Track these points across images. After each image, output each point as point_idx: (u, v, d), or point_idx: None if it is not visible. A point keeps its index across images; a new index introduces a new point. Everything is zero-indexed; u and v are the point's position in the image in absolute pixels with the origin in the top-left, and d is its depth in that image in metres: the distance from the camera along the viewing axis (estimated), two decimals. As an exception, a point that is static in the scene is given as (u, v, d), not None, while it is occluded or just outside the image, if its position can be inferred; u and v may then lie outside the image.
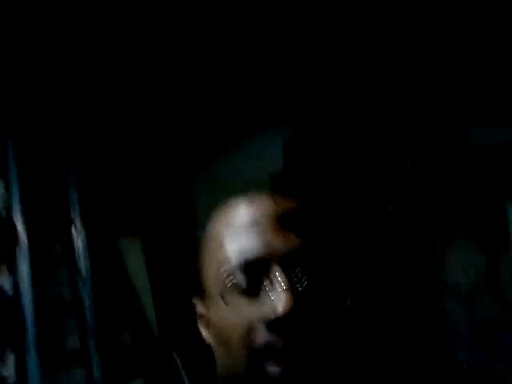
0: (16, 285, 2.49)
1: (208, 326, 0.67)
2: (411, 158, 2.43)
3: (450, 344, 2.27)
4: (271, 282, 0.58)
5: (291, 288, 0.57)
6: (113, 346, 2.68)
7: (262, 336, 0.57)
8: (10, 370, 2.27)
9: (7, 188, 2.62)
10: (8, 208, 2.62)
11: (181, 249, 3.26)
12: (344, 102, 2.67)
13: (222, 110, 3.06)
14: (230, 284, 0.60)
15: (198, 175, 3.48)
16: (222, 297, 0.61)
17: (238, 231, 0.62)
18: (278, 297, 0.57)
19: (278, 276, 0.58)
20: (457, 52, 2.35)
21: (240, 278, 0.60)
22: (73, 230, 2.84)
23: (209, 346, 0.67)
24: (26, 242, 2.55)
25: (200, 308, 0.69)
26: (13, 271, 2.52)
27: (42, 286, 2.63)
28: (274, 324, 0.57)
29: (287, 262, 0.59)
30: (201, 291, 0.67)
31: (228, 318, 0.60)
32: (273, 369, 0.57)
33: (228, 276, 0.60)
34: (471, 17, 2.19)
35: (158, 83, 2.85)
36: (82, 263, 2.77)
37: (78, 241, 2.82)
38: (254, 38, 2.53)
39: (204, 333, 0.69)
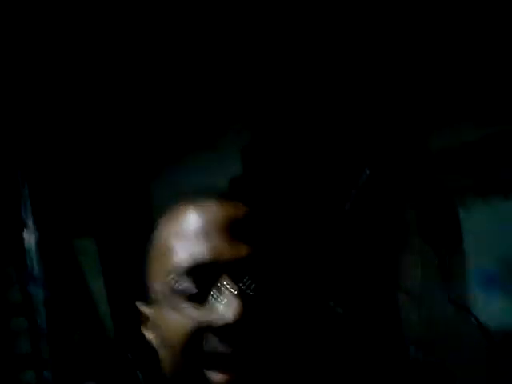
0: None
1: (152, 328, 0.67)
2: (369, 163, 2.47)
3: (401, 341, 2.32)
4: (219, 289, 0.58)
5: (239, 294, 0.57)
6: (65, 348, 2.61)
7: (208, 342, 0.57)
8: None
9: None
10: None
11: (136, 250, 3.21)
12: (302, 107, 2.69)
13: (181, 113, 3.04)
14: (177, 288, 0.60)
15: (155, 178, 3.44)
16: (170, 301, 0.60)
17: (186, 238, 0.62)
18: (226, 303, 0.56)
19: (226, 283, 0.58)
20: (412, 56, 2.41)
21: (187, 283, 0.59)
22: (24, 230, 2.76)
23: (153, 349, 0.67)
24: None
25: (144, 310, 0.69)
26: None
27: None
28: (221, 331, 0.56)
29: (235, 268, 0.59)
30: (147, 296, 0.67)
31: (174, 322, 0.59)
32: (219, 377, 0.56)
33: (175, 281, 0.60)
34: (428, 23, 2.25)
35: (116, 84, 2.81)
36: (34, 264, 2.69)
37: (30, 241, 2.74)
38: (213, 44, 2.53)
39: (147, 335, 0.69)
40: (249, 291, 0.58)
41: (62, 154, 3.03)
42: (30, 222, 2.75)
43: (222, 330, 0.56)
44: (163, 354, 0.63)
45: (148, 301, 0.67)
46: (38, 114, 2.84)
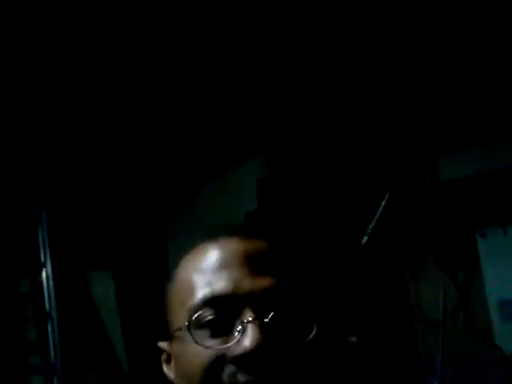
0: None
1: (174, 364, 0.66)
2: (385, 194, 2.46)
3: (420, 370, 2.25)
4: (240, 320, 0.58)
5: (259, 324, 0.56)
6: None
7: (228, 372, 0.56)
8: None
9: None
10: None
11: (152, 285, 3.20)
12: (319, 140, 2.70)
13: (198, 148, 3.08)
14: (198, 322, 0.59)
15: (172, 212, 3.47)
16: (191, 335, 0.59)
17: (207, 272, 0.62)
18: (245, 333, 0.56)
19: (247, 313, 0.58)
20: (421, 86, 2.42)
21: (209, 316, 0.59)
22: (42, 269, 2.78)
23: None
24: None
25: (166, 347, 0.68)
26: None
27: (6, 325, 2.55)
28: (240, 359, 0.56)
29: (255, 300, 0.59)
30: (167, 333, 0.66)
31: (195, 354, 0.59)
32: None
33: (197, 314, 0.59)
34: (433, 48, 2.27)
35: (130, 118, 2.86)
36: (49, 301, 2.70)
37: (46, 278, 2.76)
38: (230, 76, 2.57)
39: (168, 372, 0.68)
40: (269, 322, 0.57)
41: (80, 188, 3.08)
42: (47, 261, 2.77)
43: (241, 359, 0.55)
44: None
45: (169, 338, 0.66)
46: (55, 153, 2.91)
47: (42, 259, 2.78)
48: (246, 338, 0.56)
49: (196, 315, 0.59)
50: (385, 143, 2.52)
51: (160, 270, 3.32)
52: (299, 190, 2.73)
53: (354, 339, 1.97)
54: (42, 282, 2.76)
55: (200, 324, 0.59)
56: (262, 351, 0.55)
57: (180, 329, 0.61)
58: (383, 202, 2.42)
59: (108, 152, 2.99)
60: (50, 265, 2.78)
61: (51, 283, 2.74)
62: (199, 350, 0.58)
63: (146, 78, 2.50)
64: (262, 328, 0.56)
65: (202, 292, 0.60)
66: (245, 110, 2.79)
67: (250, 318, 0.57)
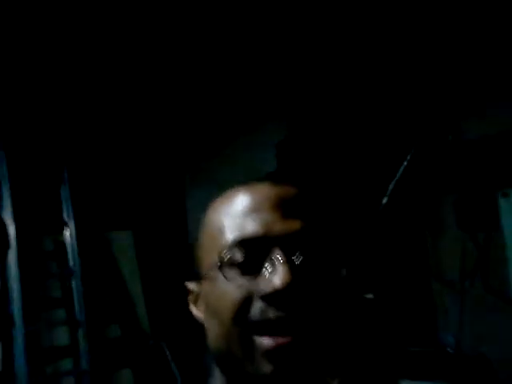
0: (5, 280, 2.49)
1: (199, 302, 0.68)
2: (408, 152, 2.43)
3: (437, 329, 2.26)
4: (270, 260, 0.59)
5: (289, 264, 0.57)
6: (101, 338, 2.66)
7: (258, 309, 0.57)
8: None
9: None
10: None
11: (172, 243, 3.26)
12: (336, 102, 2.67)
13: (215, 110, 3.07)
14: (229, 261, 0.60)
15: (190, 173, 3.48)
16: (222, 274, 0.60)
17: (238, 215, 0.63)
18: (275, 272, 0.57)
19: (277, 254, 0.58)
20: (445, 48, 2.36)
21: (240, 256, 0.60)
22: (65, 227, 2.84)
23: (199, 333, 0.67)
24: (15, 238, 2.54)
25: (194, 287, 0.69)
26: (2, 267, 2.52)
27: (31, 280, 2.62)
28: (270, 297, 0.57)
29: (285, 242, 0.60)
30: (195, 275, 0.67)
31: (226, 292, 0.60)
32: (269, 342, 0.56)
33: (228, 254, 0.60)
34: (458, 14, 2.21)
35: (150, 83, 2.86)
36: (72, 258, 2.76)
37: (68, 236, 2.82)
38: (247, 41, 2.54)
39: (196, 312, 0.69)
40: (298, 262, 0.58)
41: (102, 149, 3.11)
42: (70, 219, 2.82)
43: (271, 296, 0.57)
44: (213, 326, 0.62)
45: (197, 279, 0.67)
46: (78, 115, 2.93)
47: (65, 218, 2.83)
48: (275, 276, 0.57)
49: (227, 255, 0.60)
50: (408, 102, 2.48)
51: (179, 231, 3.37)
52: (319, 152, 2.72)
53: (370, 296, 1.98)
54: (65, 241, 2.82)
55: (230, 264, 0.60)
56: (291, 289, 0.56)
57: (211, 268, 0.62)
58: (405, 162, 2.40)
59: (129, 113, 3.01)
60: (73, 223, 2.83)
61: (74, 241, 2.80)
62: (230, 287, 0.59)
63: (168, 53, 2.49)
64: (292, 268, 0.57)
65: (233, 234, 0.62)
66: (264, 74, 2.76)
67: (280, 258, 0.58)
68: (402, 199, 2.41)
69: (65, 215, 2.83)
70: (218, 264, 0.61)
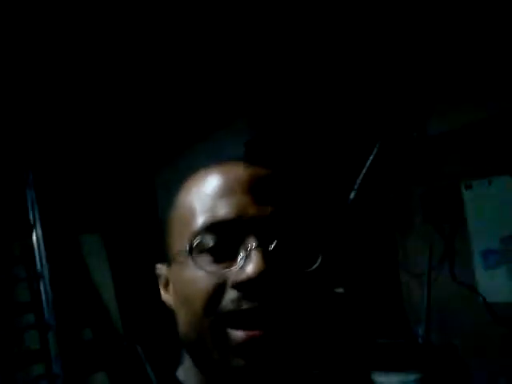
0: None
1: (169, 287, 0.64)
2: (372, 149, 2.47)
3: (405, 319, 2.31)
4: (243, 247, 0.56)
5: (263, 252, 0.54)
6: (73, 342, 2.63)
7: (231, 299, 0.54)
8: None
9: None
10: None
11: (142, 245, 3.24)
12: (303, 99, 2.69)
13: (183, 108, 3.05)
14: (200, 247, 0.57)
15: (158, 174, 3.46)
16: (192, 260, 0.57)
17: (209, 196, 0.60)
18: (249, 260, 0.54)
19: (250, 240, 0.56)
20: (410, 46, 2.40)
21: (211, 241, 0.57)
22: (33, 230, 2.79)
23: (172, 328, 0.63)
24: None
25: (164, 271, 0.66)
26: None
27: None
28: (244, 286, 0.54)
29: (259, 227, 0.57)
30: (165, 259, 0.64)
31: (197, 279, 0.56)
32: (242, 335, 0.54)
33: (199, 239, 0.57)
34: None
35: (117, 81, 2.82)
36: (40, 262, 2.72)
37: (36, 240, 2.77)
38: (218, 39, 2.53)
39: (166, 297, 0.66)
40: (272, 249, 0.55)
41: (66, 152, 3.06)
42: (37, 222, 2.78)
43: (245, 285, 0.53)
44: (183, 314, 0.59)
45: (168, 263, 0.63)
46: (43, 117, 2.87)
47: (32, 222, 2.78)
48: (249, 264, 0.54)
49: (198, 240, 0.57)
50: (373, 98, 2.52)
51: (149, 232, 3.35)
52: (286, 149, 2.73)
53: (341, 290, 2.01)
54: (32, 244, 2.77)
55: (201, 249, 0.57)
56: (265, 278, 0.53)
57: (180, 252, 0.59)
58: (371, 157, 2.44)
59: (95, 113, 2.97)
60: (39, 227, 2.78)
61: (42, 245, 2.75)
62: (200, 274, 0.56)
63: (137, 44, 2.45)
64: (266, 255, 0.54)
65: (204, 217, 0.58)
66: (229, 73, 2.76)
67: (254, 245, 0.55)
68: (369, 193, 2.45)
69: (31, 219, 2.78)
70: (188, 250, 0.57)
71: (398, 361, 2.04)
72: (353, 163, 2.48)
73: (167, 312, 0.66)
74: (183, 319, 0.59)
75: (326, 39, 2.43)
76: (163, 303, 0.67)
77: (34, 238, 2.76)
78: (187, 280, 0.58)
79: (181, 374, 0.65)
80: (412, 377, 1.99)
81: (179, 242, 0.60)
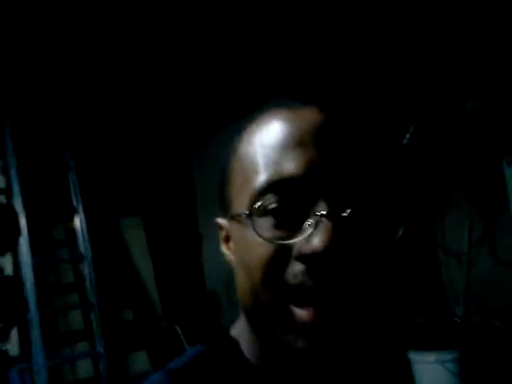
0: (18, 269, 2.53)
1: (230, 242, 0.58)
2: (413, 124, 2.41)
3: (447, 301, 2.27)
4: (312, 212, 0.48)
5: (334, 222, 0.46)
6: (115, 322, 2.71)
7: (293, 272, 0.47)
8: (13, 345, 2.31)
9: (7, 174, 2.66)
10: (8, 195, 2.66)
11: (181, 228, 3.29)
12: (342, 73, 2.65)
13: (215, 90, 3.06)
14: (262, 208, 0.49)
15: (196, 156, 3.49)
16: (253, 221, 0.49)
17: (275, 149, 0.51)
18: (317, 229, 0.46)
19: (320, 204, 0.47)
20: (454, 24, 2.34)
21: (273, 199, 0.49)
22: (75, 214, 2.88)
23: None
24: (26, 227, 2.58)
25: (226, 225, 0.58)
26: (15, 256, 2.56)
27: (44, 268, 2.67)
28: (309, 260, 0.47)
29: (332, 187, 0.48)
30: (227, 212, 0.56)
31: (255, 242, 0.49)
32: (304, 314, 0.47)
33: (258, 197, 0.49)
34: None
35: (153, 67, 2.85)
36: (83, 244, 2.80)
37: (79, 223, 2.85)
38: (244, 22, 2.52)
39: (228, 254, 0.59)
40: (345, 218, 0.47)
41: (108, 139, 3.13)
42: (79, 206, 2.86)
43: (311, 259, 0.46)
44: (242, 277, 0.52)
45: (228, 216, 0.56)
46: (83, 102, 2.94)
47: (75, 205, 2.86)
48: (317, 234, 0.46)
49: (259, 203, 0.49)
50: (412, 78, 2.46)
51: (188, 216, 3.40)
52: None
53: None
54: (75, 227, 2.86)
55: (263, 211, 0.49)
56: (334, 253, 0.45)
57: (240, 215, 0.52)
58: (407, 135, 2.40)
59: (134, 100, 3.01)
60: (82, 210, 2.86)
61: (84, 227, 2.84)
62: (261, 241, 0.49)
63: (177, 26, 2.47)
64: (337, 225, 0.46)
65: (267, 173, 0.50)
66: (263, 53, 2.75)
67: (325, 212, 0.47)
68: (407, 171, 2.40)
69: (74, 202, 2.87)
70: (248, 212, 0.50)
71: (436, 340, 2.01)
72: (389, 146, 2.44)
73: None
74: (242, 283, 0.53)
75: (365, 21, 2.39)
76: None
77: (77, 221, 2.85)
78: (247, 244, 0.51)
79: (235, 332, 0.59)
80: (449, 355, 1.96)
81: (239, 200, 0.53)
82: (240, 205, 0.52)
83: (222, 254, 0.61)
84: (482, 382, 1.97)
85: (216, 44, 2.64)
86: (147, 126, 3.23)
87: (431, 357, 1.99)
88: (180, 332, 2.77)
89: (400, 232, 0.49)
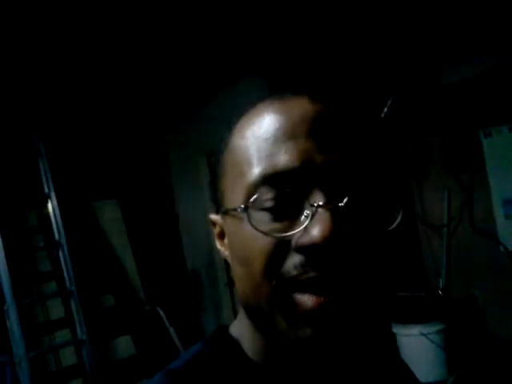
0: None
1: (225, 239, 0.57)
2: (390, 97, 2.39)
3: (427, 273, 2.29)
4: (307, 201, 0.47)
5: (330, 210, 0.46)
6: (96, 309, 2.67)
7: (293, 264, 0.47)
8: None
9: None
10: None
11: (158, 209, 3.24)
12: (319, 49, 2.60)
13: (190, 70, 2.99)
14: (258, 202, 0.49)
15: (170, 136, 3.43)
16: (249, 215, 0.49)
17: (269, 141, 0.50)
18: (315, 220, 0.46)
19: (316, 194, 0.47)
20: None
21: (268, 192, 0.49)
22: (48, 201, 2.80)
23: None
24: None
25: (219, 221, 0.58)
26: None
27: (19, 257, 2.60)
28: (308, 251, 0.46)
29: (327, 177, 0.48)
30: (220, 207, 0.56)
31: (252, 237, 0.49)
32: (308, 300, 0.47)
33: (254, 190, 0.49)
34: None
35: (126, 50, 2.75)
36: (57, 230, 2.73)
37: (52, 209, 2.78)
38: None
39: (222, 250, 0.58)
40: (343, 207, 0.46)
41: (78, 118, 3.04)
42: (51, 192, 2.78)
43: (310, 250, 0.46)
44: (241, 274, 0.52)
45: (222, 212, 0.55)
46: (53, 86, 2.84)
47: (46, 191, 2.79)
48: (315, 225, 0.46)
49: (255, 197, 0.49)
50: (387, 50, 2.43)
51: (164, 197, 3.35)
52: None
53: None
54: (48, 214, 2.79)
55: (259, 205, 0.49)
56: (333, 242, 0.45)
57: (235, 209, 0.51)
58: (385, 109, 2.38)
59: (106, 80, 2.92)
60: (54, 196, 2.79)
61: (58, 213, 2.77)
62: (258, 234, 0.49)
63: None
64: (335, 214, 0.46)
65: (261, 167, 0.49)
66: (238, 29, 2.68)
67: (321, 202, 0.47)
68: (385, 145, 2.39)
69: (46, 189, 2.79)
70: (243, 206, 0.49)
71: (419, 313, 2.03)
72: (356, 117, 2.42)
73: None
74: (241, 280, 0.53)
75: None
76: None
77: (50, 207, 2.78)
78: (244, 239, 0.51)
79: (235, 330, 0.59)
80: (432, 328, 1.99)
81: (233, 194, 0.52)
82: (234, 199, 0.52)
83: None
84: (464, 353, 2.01)
85: (192, 21, 2.55)
86: (119, 106, 3.14)
87: (415, 330, 2.02)
88: (162, 314, 2.76)
89: (398, 218, 0.49)
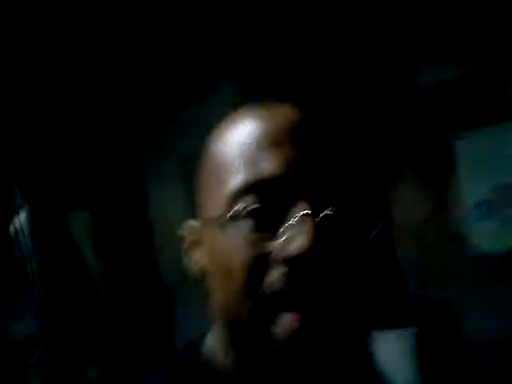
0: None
1: (201, 249, 0.54)
2: (362, 105, 2.41)
3: (400, 276, 2.29)
4: (290, 210, 0.46)
5: (314, 220, 0.45)
6: (64, 317, 2.62)
7: (275, 277, 0.46)
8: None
9: None
10: None
11: (132, 221, 3.19)
12: (291, 54, 2.61)
13: (163, 76, 2.98)
14: (239, 212, 0.47)
15: (148, 148, 3.41)
16: (229, 225, 0.48)
17: (250, 148, 0.49)
18: (298, 230, 0.45)
19: (300, 204, 0.46)
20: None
21: (251, 200, 0.47)
22: (17, 209, 2.75)
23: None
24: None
25: (197, 229, 0.55)
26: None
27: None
28: (291, 263, 0.45)
29: (312, 186, 0.47)
30: (198, 218, 0.54)
31: (233, 247, 0.47)
32: (294, 318, 0.45)
33: (235, 199, 0.47)
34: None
35: (98, 55, 2.74)
36: (28, 243, 2.69)
37: (23, 220, 2.74)
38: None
39: (197, 257, 0.55)
40: (327, 217, 0.46)
41: (52, 129, 2.99)
42: (21, 202, 2.74)
43: (293, 261, 0.45)
44: (219, 287, 0.50)
45: (200, 220, 0.53)
46: (26, 93, 2.80)
47: (17, 203, 2.75)
48: (299, 236, 0.45)
49: (237, 206, 0.47)
50: (359, 54, 2.45)
51: (138, 208, 3.30)
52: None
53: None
54: (19, 226, 2.74)
55: (241, 214, 0.47)
56: (317, 254, 0.44)
57: (216, 217, 0.49)
58: (358, 113, 2.38)
59: (78, 88, 2.89)
60: (26, 208, 2.75)
61: (28, 225, 2.73)
62: (240, 244, 0.47)
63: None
64: (319, 225, 0.45)
65: (244, 174, 0.48)
66: (215, 36, 2.68)
67: (305, 212, 0.45)
68: (360, 151, 2.39)
69: (16, 198, 2.75)
70: (224, 215, 0.48)
71: (394, 317, 2.03)
72: (338, 125, 2.42)
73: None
74: (220, 292, 0.51)
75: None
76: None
77: (20, 218, 2.73)
78: (224, 250, 0.49)
79: (207, 347, 0.56)
80: (407, 332, 1.99)
81: (213, 203, 0.50)
82: (215, 208, 0.50)
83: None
84: (437, 356, 2.00)
85: (170, 28, 2.55)
86: (96, 118, 3.11)
87: (390, 334, 2.00)
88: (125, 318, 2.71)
89: (378, 227, 0.49)
